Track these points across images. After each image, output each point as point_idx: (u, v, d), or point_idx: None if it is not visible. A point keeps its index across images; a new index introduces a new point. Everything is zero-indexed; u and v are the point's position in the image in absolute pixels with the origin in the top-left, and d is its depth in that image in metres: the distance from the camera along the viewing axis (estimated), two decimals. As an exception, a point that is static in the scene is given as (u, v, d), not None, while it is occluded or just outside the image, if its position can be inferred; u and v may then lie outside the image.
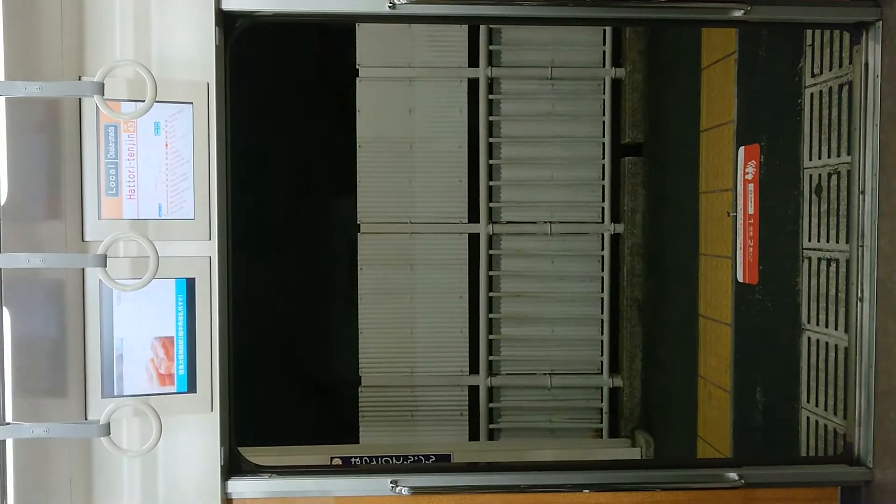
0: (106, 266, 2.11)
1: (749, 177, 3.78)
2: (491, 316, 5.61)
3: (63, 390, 2.29)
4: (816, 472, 2.64)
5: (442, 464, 4.62)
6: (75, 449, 2.32)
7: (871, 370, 2.58)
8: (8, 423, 1.99)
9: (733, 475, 2.53)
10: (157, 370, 2.40)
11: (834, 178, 3.06)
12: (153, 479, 2.43)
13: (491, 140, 5.55)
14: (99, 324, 2.36)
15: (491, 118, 5.54)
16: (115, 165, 2.36)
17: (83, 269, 2.33)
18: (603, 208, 5.56)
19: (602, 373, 5.60)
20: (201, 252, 2.43)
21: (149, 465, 2.42)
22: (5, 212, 2.01)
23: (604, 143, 5.54)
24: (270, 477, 2.52)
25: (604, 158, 5.54)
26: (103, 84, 2.09)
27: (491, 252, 5.58)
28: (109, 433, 2.10)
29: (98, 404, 2.33)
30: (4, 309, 2.00)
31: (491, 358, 5.62)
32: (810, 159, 3.26)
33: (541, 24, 2.59)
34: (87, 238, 2.35)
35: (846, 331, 2.83)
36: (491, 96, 5.53)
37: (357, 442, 5.51)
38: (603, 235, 5.57)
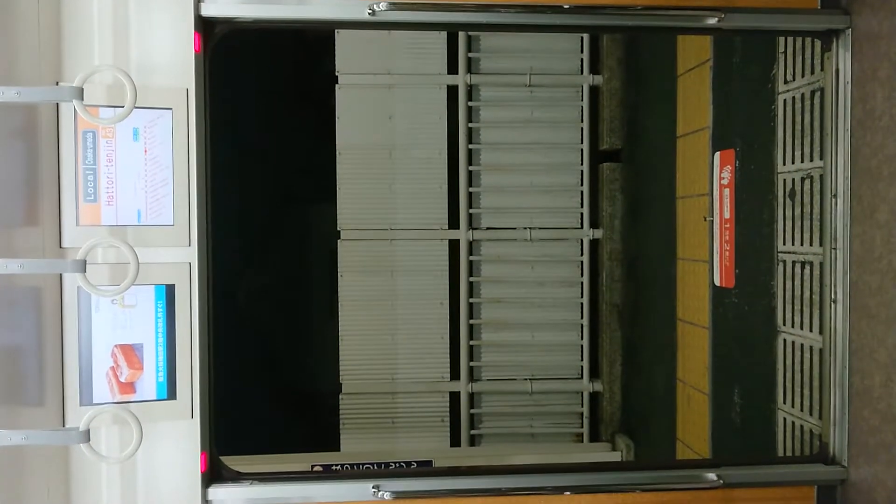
0: (85, 272, 2.10)
1: (725, 182, 3.83)
2: (471, 322, 5.62)
3: (40, 399, 2.27)
4: (793, 471, 2.68)
5: (424, 468, 4.62)
6: (52, 458, 2.29)
7: (845, 371, 2.63)
8: (-15, 431, 1.97)
9: (712, 476, 2.57)
10: (116, 379, 2.37)
11: (807, 182, 3.12)
12: (132, 488, 2.41)
13: (470, 146, 5.58)
14: (77, 331, 2.34)
15: (470, 125, 5.57)
16: (94, 171, 2.35)
17: (61, 275, 2.31)
18: (582, 214, 5.60)
19: (582, 377, 5.63)
20: (181, 258, 2.42)
21: (128, 473, 2.40)
22: (-18, 218, 1.99)
23: (582, 150, 5.59)
24: (252, 484, 2.51)
25: (582, 164, 5.59)
26: (83, 89, 2.09)
27: (471, 258, 5.60)
28: (89, 440, 2.08)
29: (76, 412, 2.31)
30: (-19, 316, 1.98)
31: (472, 364, 5.62)
32: (784, 164, 3.31)
33: (519, 31, 2.62)
34: (64, 244, 2.34)
35: (820, 332, 2.88)
36: (470, 103, 5.56)
37: (338, 449, 5.49)
38: (582, 241, 5.61)
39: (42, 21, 2.26)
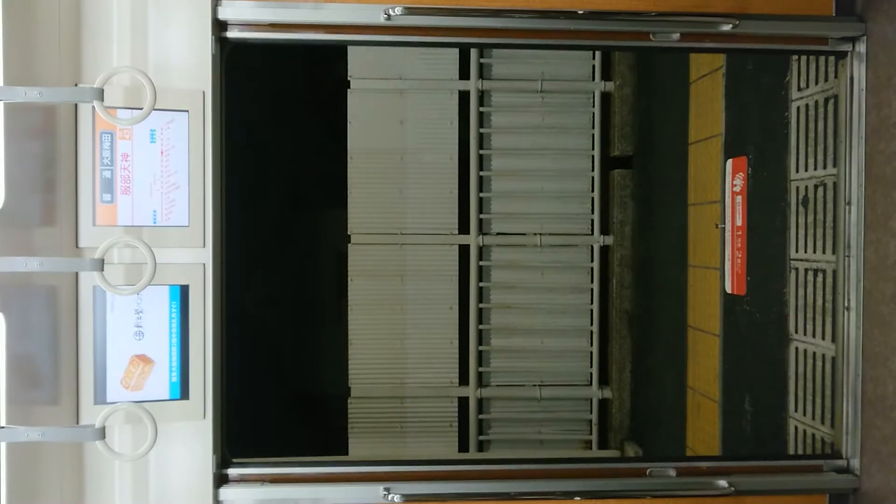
0: (103, 270, 2.12)
1: (737, 189, 3.83)
2: (481, 327, 5.62)
3: (55, 397, 2.29)
4: (805, 480, 2.66)
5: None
6: (66, 456, 2.31)
7: (857, 379, 2.62)
8: (2, 427, 1.98)
9: (723, 483, 2.55)
10: (130, 378, 2.39)
11: (820, 189, 3.11)
12: (144, 487, 2.43)
13: (481, 152, 5.59)
14: (92, 331, 2.36)
15: (482, 130, 5.58)
16: (111, 172, 2.37)
17: (77, 275, 2.33)
18: (592, 220, 5.60)
19: (591, 384, 5.62)
20: (195, 259, 2.44)
21: (140, 472, 2.41)
22: (1, 217, 2.01)
23: (593, 156, 5.59)
24: (263, 485, 2.51)
25: (593, 171, 5.59)
26: (103, 90, 2.11)
27: (481, 263, 5.60)
28: (104, 437, 2.09)
29: (90, 410, 2.32)
30: (0, 314, 1.99)
31: (481, 369, 5.62)
32: (797, 171, 3.31)
33: (533, 37, 2.61)
34: (81, 244, 2.36)
35: (833, 340, 2.87)
36: (482, 109, 5.57)
37: (346, 454, 5.49)
38: (592, 247, 5.60)
39: (62, 24, 2.29)
